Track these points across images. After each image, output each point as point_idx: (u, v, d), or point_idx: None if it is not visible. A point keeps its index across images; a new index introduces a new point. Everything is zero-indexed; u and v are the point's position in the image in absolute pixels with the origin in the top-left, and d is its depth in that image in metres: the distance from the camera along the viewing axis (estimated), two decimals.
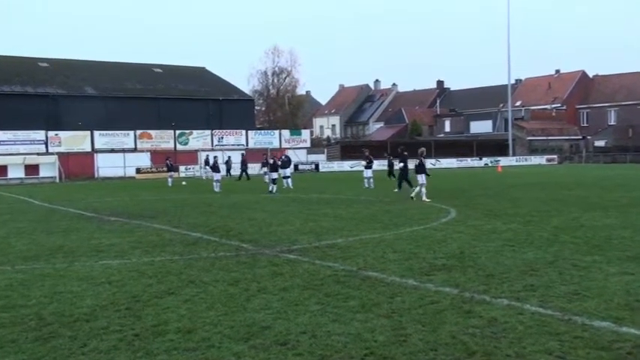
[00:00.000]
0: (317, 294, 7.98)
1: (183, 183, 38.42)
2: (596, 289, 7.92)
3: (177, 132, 60.76)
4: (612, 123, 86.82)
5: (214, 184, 31.35)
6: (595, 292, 7.77)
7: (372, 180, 29.49)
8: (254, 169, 47.07)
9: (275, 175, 28.12)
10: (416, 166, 22.26)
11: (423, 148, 22.78)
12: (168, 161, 41.35)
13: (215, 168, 32.39)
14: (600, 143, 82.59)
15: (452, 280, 8.62)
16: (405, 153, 28.73)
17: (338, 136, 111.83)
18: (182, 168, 55.88)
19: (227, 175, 43.93)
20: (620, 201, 20.23)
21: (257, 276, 9.18)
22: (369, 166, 30.07)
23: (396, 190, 27.36)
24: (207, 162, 49.77)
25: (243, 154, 46.00)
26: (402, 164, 27.93)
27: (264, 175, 39.65)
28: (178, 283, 8.86)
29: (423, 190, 21.69)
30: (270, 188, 27.70)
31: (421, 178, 21.77)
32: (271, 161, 28.74)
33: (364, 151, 31.08)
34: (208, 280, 8.94)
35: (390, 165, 35.49)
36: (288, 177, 31.32)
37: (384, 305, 7.36)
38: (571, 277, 8.60)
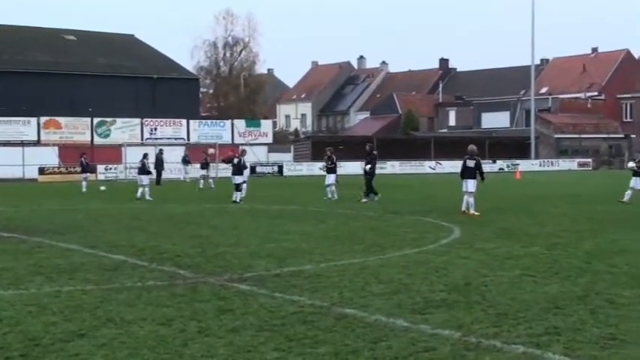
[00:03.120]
0: (276, 337, 7.95)
1: (102, 188, 38.07)
2: (637, 332, 8.04)
3: (96, 120, 60.32)
4: None
5: (140, 189, 31.19)
6: (635, 336, 7.88)
7: (334, 188, 29.54)
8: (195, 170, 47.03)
9: (239, 180, 28.18)
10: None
11: (473, 146, 22.98)
12: (82, 159, 41.01)
13: (144, 169, 32.24)
14: None
15: (453, 320, 8.68)
16: (375, 152, 28.96)
17: (309, 129, 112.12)
18: (101, 168, 55.45)
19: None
20: None
21: (197, 313, 9.13)
22: (331, 170, 30.03)
23: (364, 200, 27.73)
24: (185, 160, 49.69)
25: (161, 150, 45.78)
26: (369, 166, 28.23)
27: (200, 178, 40.11)
28: (92, 321, 8.75)
29: (471, 200, 22.13)
30: (235, 197, 28.00)
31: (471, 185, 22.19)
32: (235, 161, 28.79)
33: (326, 151, 31.15)
34: (132, 318, 8.86)
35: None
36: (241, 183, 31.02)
37: (364, 353, 7.36)
38: (606, 317, 8.72)
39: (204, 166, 41.44)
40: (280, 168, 62.70)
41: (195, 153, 48.64)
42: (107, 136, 60.51)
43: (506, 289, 10.46)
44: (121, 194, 34.81)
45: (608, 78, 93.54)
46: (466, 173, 22.28)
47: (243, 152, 30.53)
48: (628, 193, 25.80)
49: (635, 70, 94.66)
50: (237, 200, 27.75)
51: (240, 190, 28.13)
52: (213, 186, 39.32)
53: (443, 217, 21.26)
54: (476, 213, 21.74)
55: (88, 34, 75.27)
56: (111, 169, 56.64)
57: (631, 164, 26.71)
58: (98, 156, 56.82)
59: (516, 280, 11.21)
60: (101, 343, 7.79)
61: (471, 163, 22.36)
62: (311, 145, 71.39)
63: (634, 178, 25.95)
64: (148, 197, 30.45)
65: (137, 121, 61.87)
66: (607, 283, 10.90)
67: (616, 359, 7.11)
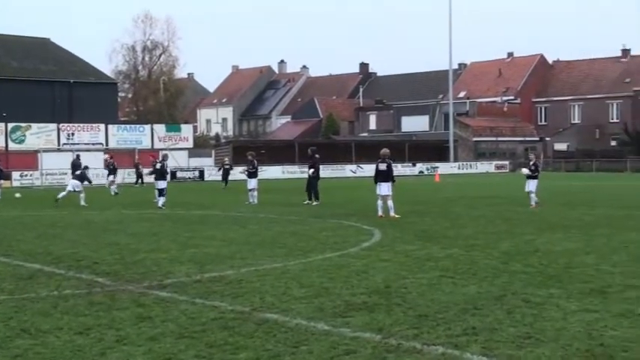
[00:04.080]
0: (197, 344, 7.90)
1: (17, 195, 37.21)
2: (552, 331, 8.24)
3: (10, 125, 58.82)
4: (576, 121, 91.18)
5: (65, 194, 30.59)
6: (551, 335, 8.08)
7: (255, 193, 29.59)
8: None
9: (162, 185, 27.89)
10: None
11: (386, 150, 23.18)
12: None
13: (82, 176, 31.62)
14: (561, 146, 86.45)
15: (374, 322, 8.75)
16: (317, 155, 29.15)
17: (230, 133, 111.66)
18: (16, 174, 54.13)
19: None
20: (583, 219, 21.23)
21: (116, 321, 9.00)
22: (252, 175, 30.09)
23: (307, 202, 28.31)
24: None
25: (78, 156, 45.39)
26: (312, 170, 28.46)
27: (109, 185, 39.69)
28: (6, 332, 8.56)
29: (390, 203, 22.21)
30: (158, 201, 27.88)
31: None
32: (158, 166, 28.53)
33: (247, 155, 31.24)
34: (48, 328, 8.69)
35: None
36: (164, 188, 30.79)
37: (285, 358, 7.38)
38: (522, 317, 8.92)
39: (112, 171, 41.26)
40: (201, 173, 62.26)
41: (118, 158, 48.57)
42: (22, 141, 59.03)
43: (425, 291, 10.60)
44: (37, 201, 34.04)
45: (524, 82, 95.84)
46: (379, 177, 22.45)
47: (165, 157, 30.26)
48: (532, 197, 25.57)
49: (548, 75, 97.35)
50: (160, 205, 27.45)
51: (163, 195, 27.85)
52: (117, 191, 38.72)
53: (364, 220, 21.42)
54: (396, 216, 21.93)
55: (1, 37, 73.40)
56: (26, 175, 55.29)
57: (525, 170, 26.46)
58: (13, 162, 55.45)
59: (436, 281, 11.38)
60: (15, 355, 7.61)
61: (382, 166, 22.54)
62: (232, 150, 71.12)
63: (528, 180, 25.72)
64: (82, 203, 29.76)
65: (53, 126, 60.55)
66: (523, 282, 11.15)
67: (531, 357, 7.27)
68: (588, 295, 10.18)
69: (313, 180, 28.68)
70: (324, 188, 33.01)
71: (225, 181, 47.00)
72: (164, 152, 33.47)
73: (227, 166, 50.71)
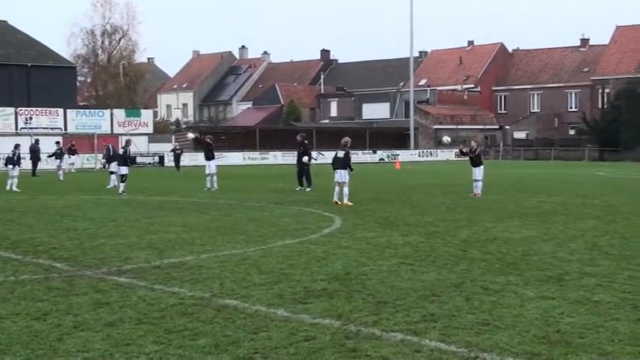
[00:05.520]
0: (156, 330, 7.88)
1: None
2: (510, 317, 8.35)
3: None
4: (535, 110, 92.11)
5: (10, 181, 30.38)
6: (508, 321, 8.18)
7: (215, 178, 29.44)
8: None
9: (124, 170, 27.75)
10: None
11: (347, 138, 23.41)
12: None
13: (13, 160, 31.34)
14: (521, 135, 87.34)
15: (333, 309, 8.79)
16: (306, 141, 29.17)
17: (191, 119, 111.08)
18: None
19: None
20: (541, 207, 21.48)
21: (74, 307, 8.94)
22: (209, 157, 29.94)
23: (299, 188, 28.34)
24: (71, 150, 48.79)
25: (37, 140, 45.35)
26: (306, 157, 28.39)
27: (58, 169, 39.83)
28: None
29: (346, 190, 22.34)
30: (116, 186, 28.15)
31: None
32: (121, 151, 28.47)
33: (205, 138, 31.15)
34: (5, 314, 8.61)
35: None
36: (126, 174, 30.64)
37: (244, 343, 7.38)
38: (480, 304, 9.02)
39: (59, 156, 41.91)
40: (161, 159, 61.78)
41: (78, 143, 48.47)
42: None
43: (385, 278, 10.66)
44: None
45: (484, 70, 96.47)
46: (336, 163, 22.67)
47: (129, 142, 30.06)
48: (478, 185, 25.50)
49: (508, 63, 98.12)
50: (121, 191, 27.24)
51: (124, 181, 27.66)
52: (62, 178, 38.64)
53: (324, 207, 21.46)
54: (349, 203, 22.04)
55: None
56: None
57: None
58: None
59: (395, 268, 11.44)
60: None
61: (340, 154, 22.84)
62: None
63: (474, 169, 25.66)
64: (15, 188, 29.64)
65: (11, 110, 59.63)
66: (481, 270, 11.27)
67: (489, 344, 7.35)
68: (546, 282, 10.31)
69: (306, 166, 28.52)
70: (286, 175, 33.01)
71: (177, 166, 46.99)
72: (127, 138, 33.18)
73: (178, 151, 50.91)
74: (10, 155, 31.70)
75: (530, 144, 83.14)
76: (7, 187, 29.87)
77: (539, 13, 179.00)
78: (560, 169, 52.17)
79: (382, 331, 7.82)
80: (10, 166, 30.93)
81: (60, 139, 48.48)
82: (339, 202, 22.21)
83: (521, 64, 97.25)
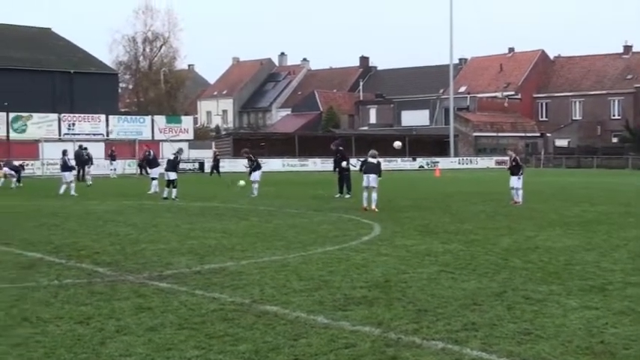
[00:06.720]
0: (197, 335, 7.92)
1: (16, 184, 37.15)
2: (552, 327, 8.26)
3: (11, 115, 58.73)
4: (577, 117, 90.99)
5: (64, 186, 30.72)
6: (551, 331, 8.09)
7: (256, 185, 29.53)
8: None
9: (173, 176, 27.72)
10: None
11: (374, 151, 23.40)
12: None
13: (66, 166, 31.77)
14: (562, 143, 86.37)
15: (373, 316, 8.76)
16: (341, 148, 29.16)
17: (230, 125, 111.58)
18: (16, 163, 54.01)
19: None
20: (584, 216, 21.20)
21: (116, 311, 9.02)
22: (255, 169, 30.16)
23: (338, 195, 28.25)
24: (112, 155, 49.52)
25: (81, 146, 45.87)
26: (344, 163, 28.36)
27: (87, 175, 40.42)
28: (7, 320, 8.58)
29: (374, 195, 22.31)
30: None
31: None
32: (172, 157, 28.74)
33: (242, 153, 31.58)
34: (49, 317, 8.70)
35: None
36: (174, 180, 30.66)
37: (284, 350, 7.39)
38: (522, 313, 8.93)
39: (85, 162, 41.96)
40: (201, 165, 62.19)
41: (120, 148, 49.10)
42: (23, 131, 58.91)
43: (425, 286, 10.61)
44: (38, 191, 34.05)
45: (525, 77, 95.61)
46: (368, 168, 22.68)
47: (180, 151, 30.53)
48: (519, 194, 25.14)
49: (549, 70, 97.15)
50: (173, 197, 27.33)
51: (175, 187, 27.74)
52: (91, 182, 38.91)
53: (364, 214, 21.42)
54: (376, 209, 22.06)
55: (3, 27, 73.13)
56: (27, 165, 55.21)
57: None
58: (14, 152, 55.39)
59: (435, 276, 11.38)
60: (16, 343, 7.63)
61: (373, 160, 22.89)
62: (232, 142, 71.18)
63: (511, 177, 25.37)
64: (72, 192, 29.99)
65: (54, 116, 60.43)
66: (523, 279, 11.16)
67: (531, 354, 7.28)
68: (589, 292, 10.18)
69: (346, 172, 28.52)
70: (325, 182, 33.04)
71: (217, 171, 48.73)
72: (179, 147, 33.40)
73: (218, 157, 51.52)
74: (60, 162, 32.20)
75: (571, 152, 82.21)
76: (60, 192, 30.13)
77: (581, 19, 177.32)
78: (603, 178, 51.47)
79: (423, 339, 7.79)
80: (67, 173, 31.33)
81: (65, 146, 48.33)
82: (368, 208, 22.21)
83: (562, 70, 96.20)
